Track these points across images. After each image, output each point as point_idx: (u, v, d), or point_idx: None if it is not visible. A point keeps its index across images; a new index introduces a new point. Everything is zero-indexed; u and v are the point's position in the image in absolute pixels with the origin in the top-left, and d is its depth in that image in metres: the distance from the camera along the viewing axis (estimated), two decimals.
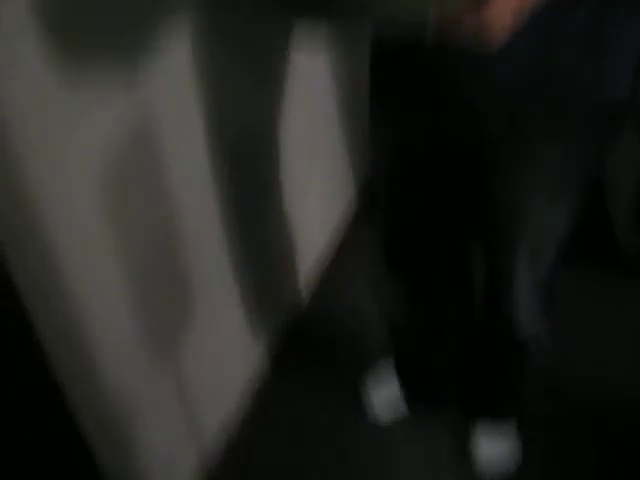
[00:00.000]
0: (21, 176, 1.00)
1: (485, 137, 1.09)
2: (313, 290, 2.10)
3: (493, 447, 1.66)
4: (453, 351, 1.65)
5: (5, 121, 0.94)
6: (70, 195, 1.09)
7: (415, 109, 1.13)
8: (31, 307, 1.04)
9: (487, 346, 1.51)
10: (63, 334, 1.16)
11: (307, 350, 1.95)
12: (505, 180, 1.13)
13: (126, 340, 1.32)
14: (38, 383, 1.10)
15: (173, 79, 1.29)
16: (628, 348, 1.87)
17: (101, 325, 1.23)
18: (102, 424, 1.30)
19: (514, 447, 1.67)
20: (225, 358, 1.72)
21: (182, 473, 1.63)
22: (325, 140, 2.10)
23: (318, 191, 2.11)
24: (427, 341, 1.61)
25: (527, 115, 1.02)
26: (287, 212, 1.89)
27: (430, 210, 1.29)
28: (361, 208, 2.31)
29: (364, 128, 1.28)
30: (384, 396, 1.77)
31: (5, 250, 0.98)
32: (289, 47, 1.70)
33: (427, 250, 1.38)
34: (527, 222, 1.17)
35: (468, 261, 1.45)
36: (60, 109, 1.03)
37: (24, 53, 0.96)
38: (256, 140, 1.68)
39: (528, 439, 1.68)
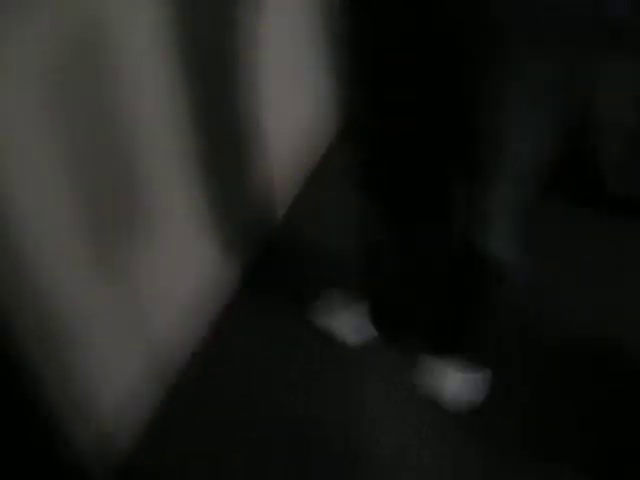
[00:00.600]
0: None
1: (469, 54, 1.07)
2: (288, 210, 2.07)
3: (460, 380, 1.65)
4: (428, 280, 1.63)
5: None
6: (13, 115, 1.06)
7: (397, 18, 1.11)
8: None
9: (464, 276, 1.49)
10: (8, 255, 1.13)
11: (277, 270, 1.94)
12: (486, 99, 1.11)
13: (79, 260, 1.29)
14: None
15: None
16: (607, 285, 1.85)
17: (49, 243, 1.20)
18: (50, 347, 1.27)
19: (482, 381, 1.65)
20: (193, 276, 1.70)
21: (137, 388, 1.61)
22: (308, 60, 2.05)
23: (299, 110, 2.06)
24: (402, 268, 1.60)
25: (515, 26, 1.00)
26: (264, 127, 1.85)
27: (410, 132, 1.27)
28: (343, 129, 2.26)
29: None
30: (351, 319, 1.76)
31: None
32: None
33: (406, 174, 1.36)
34: (508, 147, 1.15)
35: (447, 188, 1.42)
36: None
37: None
38: (231, 52, 1.63)
39: (497, 373, 1.66)
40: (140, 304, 1.50)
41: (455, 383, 1.64)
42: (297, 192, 2.15)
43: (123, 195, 1.36)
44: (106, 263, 1.36)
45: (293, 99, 2.04)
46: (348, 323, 1.76)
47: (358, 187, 1.43)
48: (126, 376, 1.52)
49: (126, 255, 1.42)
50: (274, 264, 1.95)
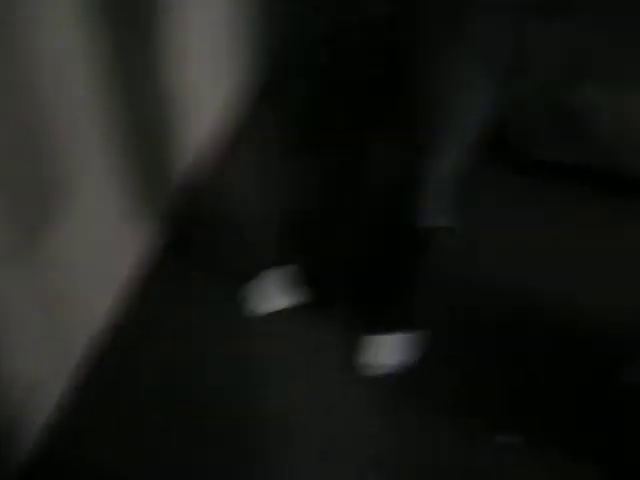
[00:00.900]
0: None
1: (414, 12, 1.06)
2: (204, 176, 1.99)
3: (393, 342, 1.63)
4: (354, 241, 1.58)
5: None
6: None
7: None
8: None
9: (395, 238, 1.46)
10: None
11: (200, 238, 1.90)
12: (438, 66, 1.10)
13: None
14: None
15: None
16: (534, 252, 1.83)
17: None
18: None
19: (414, 342, 1.63)
20: (106, 247, 1.65)
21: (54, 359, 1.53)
22: (227, 15, 1.95)
23: (213, 69, 1.96)
24: (327, 228, 1.55)
25: None
26: (177, 86, 1.76)
27: (349, 86, 1.25)
28: (263, 89, 2.15)
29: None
30: (277, 284, 1.71)
31: None
32: None
33: (340, 131, 1.33)
34: (460, 115, 1.14)
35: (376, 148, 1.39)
36: None
37: None
38: (150, 28, 1.56)
39: (431, 336, 1.65)
40: (58, 276, 1.44)
41: (388, 346, 1.63)
42: (219, 159, 2.05)
43: (39, 163, 1.31)
44: (21, 233, 1.30)
45: (213, 68, 1.96)
46: (275, 288, 1.72)
47: (289, 140, 1.39)
48: (40, 354, 1.45)
49: (43, 226, 1.36)
50: (196, 232, 1.90)
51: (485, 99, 1.14)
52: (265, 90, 2.12)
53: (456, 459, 1.47)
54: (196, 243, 1.87)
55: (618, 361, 1.59)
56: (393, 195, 1.37)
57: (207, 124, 2.04)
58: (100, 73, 1.40)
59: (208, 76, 1.96)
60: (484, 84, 1.12)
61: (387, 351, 1.64)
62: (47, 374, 1.48)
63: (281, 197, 1.53)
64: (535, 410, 1.56)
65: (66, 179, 1.38)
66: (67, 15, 1.27)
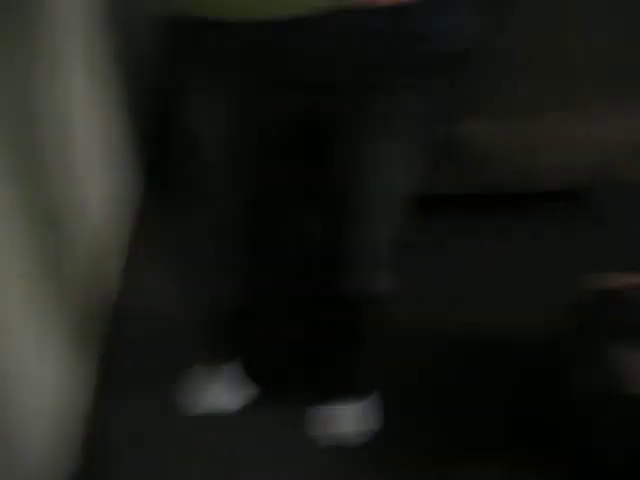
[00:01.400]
0: None
1: (331, 105, 1.02)
2: (117, 297, 1.89)
3: (351, 414, 1.62)
4: (307, 328, 1.56)
5: None
6: None
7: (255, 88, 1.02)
8: None
9: (337, 312, 1.44)
10: None
11: (129, 358, 1.78)
12: (358, 144, 1.06)
13: None
14: None
15: None
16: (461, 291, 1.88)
17: None
18: None
19: (373, 410, 1.64)
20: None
21: None
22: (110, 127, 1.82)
23: (109, 176, 1.82)
24: (264, 311, 1.52)
25: (381, 68, 0.95)
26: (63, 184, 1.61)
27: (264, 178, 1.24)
28: (148, 197, 2.05)
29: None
30: (223, 386, 1.67)
31: None
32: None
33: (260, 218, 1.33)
34: (381, 182, 1.11)
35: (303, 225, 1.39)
36: None
37: None
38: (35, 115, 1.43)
39: (387, 399, 1.65)
40: None
41: (347, 418, 1.62)
42: (124, 269, 1.93)
43: None
44: None
45: (103, 166, 1.82)
46: (221, 390, 1.66)
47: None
48: None
49: None
50: (123, 353, 1.78)
51: (410, 163, 1.12)
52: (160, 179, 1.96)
53: None
54: (128, 364, 1.76)
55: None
56: (326, 265, 1.35)
57: (105, 227, 1.87)
58: None
59: (96, 172, 1.81)
60: (408, 149, 1.09)
61: (344, 421, 1.61)
62: None
63: (206, 287, 1.45)
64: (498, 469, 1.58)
65: None
66: None
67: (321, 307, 1.47)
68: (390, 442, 1.60)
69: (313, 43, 0.89)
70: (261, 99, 1.02)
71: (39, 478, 1.49)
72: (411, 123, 1.03)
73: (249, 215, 1.26)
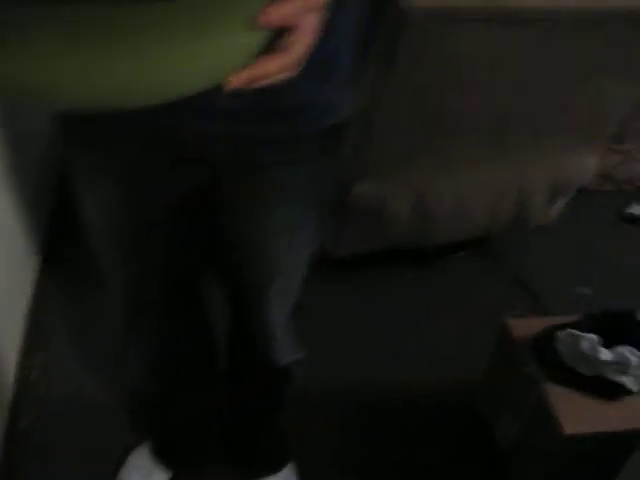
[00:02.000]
0: None
1: (219, 181, 1.01)
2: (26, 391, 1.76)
3: None
4: (211, 407, 1.52)
5: None
6: None
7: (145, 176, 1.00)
8: None
9: (249, 391, 1.44)
10: None
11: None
12: (250, 222, 1.06)
13: None
14: None
15: None
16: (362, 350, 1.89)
17: None
18: None
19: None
20: None
21: None
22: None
23: None
24: (182, 404, 1.46)
25: (260, 145, 0.94)
26: None
27: (170, 265, 1.17)
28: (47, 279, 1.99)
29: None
30: (135, 468, 1.60)
31: None
32: None
33: (170, 307, 1.26)
34: (277, 258, 1.11)
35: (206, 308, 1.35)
36: None
37: None
38: None
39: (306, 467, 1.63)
40: None
41: None
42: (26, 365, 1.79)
43: None
44: None
45: None
46: (134, 473, 1.60)
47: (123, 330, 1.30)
48: None
49: None
50: (28, 443, 1.66)
51: (309, 238, 1.12)
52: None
53: None
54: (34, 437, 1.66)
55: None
56: (239, 344, 1.34)
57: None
58: None
59: None
60: (299, 226, 1.08)
61: None
62: None
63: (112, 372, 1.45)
64: None
65: None
66: None
67: (231, 384, 1.44)
68: None
69: (190, 122, 0.88)
70: (149, 179, 1.00)
71: None
72: (302, 194, 1.02)
73: (156, 295, 1.22)
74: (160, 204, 1.03)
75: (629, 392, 1.46)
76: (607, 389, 1.46)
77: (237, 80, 0.57)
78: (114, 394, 1.65)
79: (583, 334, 1.50)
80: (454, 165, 1.79)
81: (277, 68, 0.59)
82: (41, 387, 1.76)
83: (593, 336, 1.49)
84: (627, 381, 1.46)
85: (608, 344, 1.50)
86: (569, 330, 1.53)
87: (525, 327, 1.60)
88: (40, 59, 0.48)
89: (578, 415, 1.44)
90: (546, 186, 1.99)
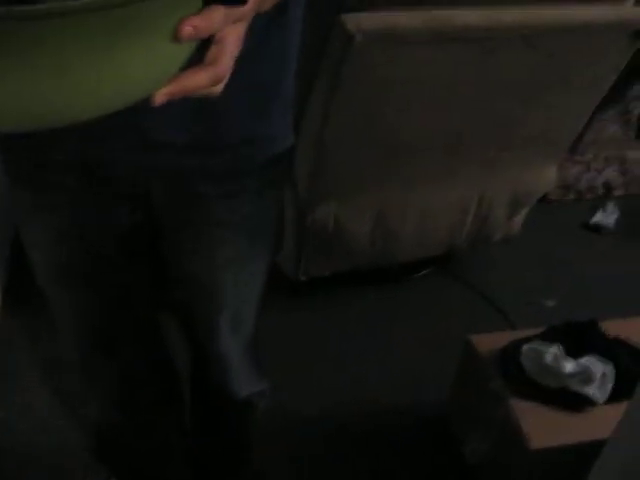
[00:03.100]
0: None
1: (159, 217, 1.00)
2: None
3: None
4: (174, 440, 1.49)
5: None
6: None
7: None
8: None
9: (211, 423, 1.42)
10: None
11: None
12: (194, 257, 1.04)
13: None
14: None
15: None
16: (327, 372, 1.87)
17: None
18: None
19: None
20: None
21: None
22: None
23: None
24: (144, 431, 1.43)
25: (199, 179, 0.93)
26: None
27: (118, 300, 1.15)
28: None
29: None
30: None
31: None
32: None
33: (124, 341, 1.23)
34: (224, 293, 1.09)
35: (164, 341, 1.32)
36: None
37: None
38: None
39: None
40: None
41: None
42: None
43: None
44: None
45: None
46: None
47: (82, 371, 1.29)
48: None
49: None
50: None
51: (258, 267, 1.12)
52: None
53: None
54: None
55: None
56: (197, 375, 1.32)
57: None
58: None
59: None
60: (246, 257, 1.08)
61: None
62: None
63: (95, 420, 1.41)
64: None
65: None
66: None
67: (193, 413, 1.42)
68: None
69: (123, 155, 0.87)
70: (89, 215, 0.98)
71: None
72: (245, 227, 1.01)
73: (108, 329, 1.18)
74: (102, 239, 1.01)
75: (594, 403, 1.46)
76: (572, 401, 1.46)
77: (161, 93, 0.55)
78: (78, 431, 1.63)
79: (546, 347, 1.50)
80: (411, 183, 1.80)
81: (203, 81, 0.58)
82: (5, 426, 1.72)
83: (556, 349, 1.50)
84: (591, 392, 1.46)
85: (572, 355, 1.51)
86: (533, 343, 1.53)
87: (490, 342, 1.60)
88: None
89: (545, 429, 1.43)
90: (507, 199, 2.00)
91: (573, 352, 1.52)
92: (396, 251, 1.96)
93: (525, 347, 1.52)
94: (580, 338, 1.57)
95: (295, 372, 1.81)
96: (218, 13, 0.54)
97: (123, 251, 1.03)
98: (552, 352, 1.49)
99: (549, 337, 1.56)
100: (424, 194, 1.84)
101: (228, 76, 0.61)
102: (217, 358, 1.20)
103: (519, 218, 2.10)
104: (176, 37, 0.52)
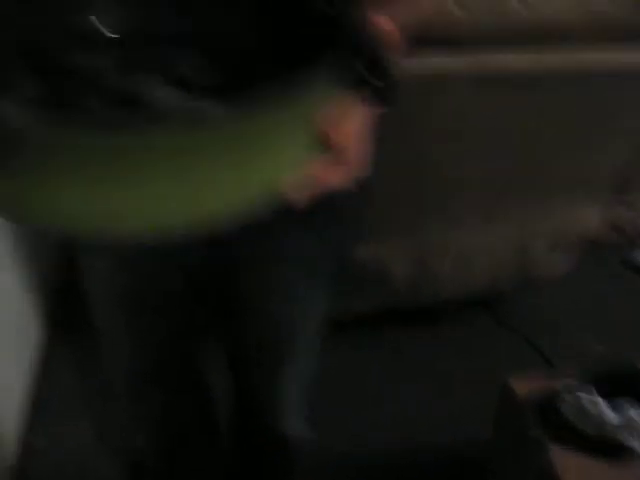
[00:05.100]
0: None
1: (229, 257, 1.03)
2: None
3: None
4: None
5: None
6: None
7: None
8: None
9: (253, 460, 1.42)
10: None
11: None
12: (261, 294, 1.06)
13: None
14: None
15: None
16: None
17: None
18: None
19: None
20: None
21: None
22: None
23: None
24: (185, 469, 1.43)
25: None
26: None
27: (179, 334, 1.17)
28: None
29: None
30: None
31: None
32: None
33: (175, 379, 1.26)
34: (287, 331, 1.11)
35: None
36: None
37: None
38: None
39: None
40: None
41: None
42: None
43: None
44: None
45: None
46: None
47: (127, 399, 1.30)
48: None
49: None
50: None
51: (321, 307, 1.14)
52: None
53: None
54: None
55: None
56: (243, 413, 1.33)
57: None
58: None
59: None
60: (315, 295, 1.11)
61: None
62: None
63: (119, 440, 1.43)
64: None
65: None
66: None
67: (234, 451, 1.42)
68: None
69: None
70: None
71: None
72: (312, 265, 1.03)
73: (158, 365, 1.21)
74: (170, 276, 1.03)
75: (638, 454, 1.42)
76: (615, 451, 1.43)
77: (303, 196, 0.56)
78: (115, 461, 1.64)
79: (588, 394, 1.47)
80: (453, 224, 1.79)
81: (336, 179, 0.60)
82: (46, 455, 1.75)
83: (598, 396, 1.47)
84: (636, 444, 1.42)
85: (615, 402, 1.48)
86: (574, 389, 1.50)
87: (530, 386, 1.57)
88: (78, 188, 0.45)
89: (585, 478, 1.40)
90: (550, 240, 1.98)
91: (616, 400, 1.48)
92: (437, 291, 1.95)
93: (566, 392, 1.49)
94: (625, 385, 1.54)
95: (334, 407, 1.79)
96: (353, 124, 0.58)
97: (191, 286, 1.05)
98: (594, 400, 1.45)
99: (592, 383, 1.52)
100: (466, 234, 1.83)
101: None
102: (269, 398, 1.20)
103: (563, 259, 2.07)
104: (311, 145, 0.54)
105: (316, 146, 0.55)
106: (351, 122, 0.58)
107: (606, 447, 1.43)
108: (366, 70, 0.60)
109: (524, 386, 1.58)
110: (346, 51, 0.54)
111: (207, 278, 1.05)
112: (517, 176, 1.71)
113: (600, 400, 1.45)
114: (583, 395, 1.47)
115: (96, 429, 1.78)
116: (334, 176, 0.59)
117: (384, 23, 0.62)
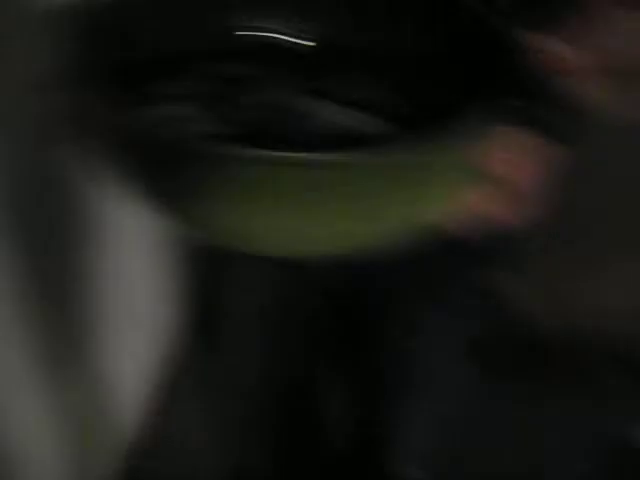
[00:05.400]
0: None
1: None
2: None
3: None
4: None
5: None
6: None
7: None
8: None
9: None
10: None
11: None
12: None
13: None
14: None
15: None
16: None
17: None
18: None
19: None
20: None
21: None
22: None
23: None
24: None
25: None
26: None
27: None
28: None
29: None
30: None
31: None
32: None
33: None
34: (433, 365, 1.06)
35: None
36: None
37: None
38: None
39: None
40: None
41: None
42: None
43: None
44: None
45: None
46: None
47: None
48: None
49: None
50: None
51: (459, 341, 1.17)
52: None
53: None
54: None
55: None
56: (360, 447, 1.28)
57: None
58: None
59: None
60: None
61: None
62: None
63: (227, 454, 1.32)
64: None
65: None
66: None
67: None
68: None
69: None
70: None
71: None
72: None
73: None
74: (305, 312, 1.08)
75: None
76: None
77: (457, 224, 0.54)
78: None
79: None
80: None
81: (499, 213, 0.57)
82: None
83: None
84: None
85: None
86: None
87: None
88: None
89: None
90: None
91: None
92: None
93: None
94: None
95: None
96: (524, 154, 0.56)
97: (332, 312, 1.09)
98: None
99: None
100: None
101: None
102: (407, 432, 1.17)
103: None
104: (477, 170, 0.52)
105: (473, 176, 0.52)
106: (522, 155, 0.55)
107: None
108: (536, 103, 0.56)
109: None
110: (522, 84, 0.51)
111: (350, 304, 1.07)
112: None
113: None
114: None
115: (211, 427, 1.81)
116: (494, 209, 0.56)
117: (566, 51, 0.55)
